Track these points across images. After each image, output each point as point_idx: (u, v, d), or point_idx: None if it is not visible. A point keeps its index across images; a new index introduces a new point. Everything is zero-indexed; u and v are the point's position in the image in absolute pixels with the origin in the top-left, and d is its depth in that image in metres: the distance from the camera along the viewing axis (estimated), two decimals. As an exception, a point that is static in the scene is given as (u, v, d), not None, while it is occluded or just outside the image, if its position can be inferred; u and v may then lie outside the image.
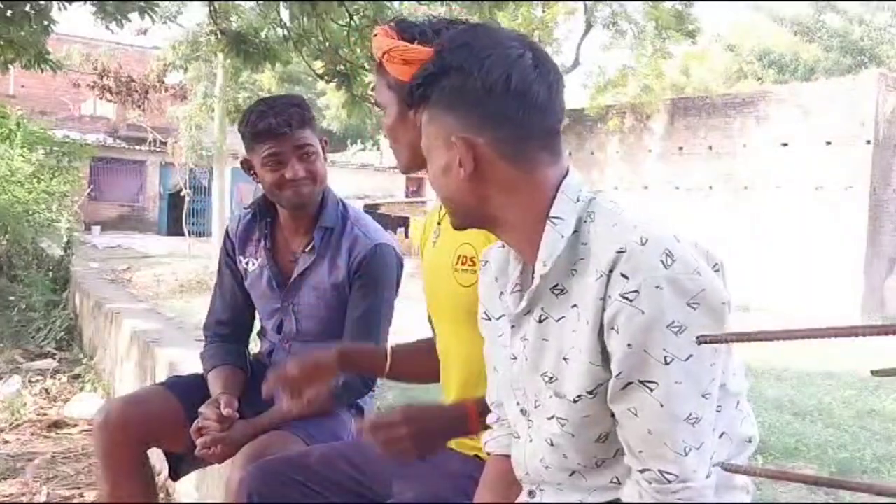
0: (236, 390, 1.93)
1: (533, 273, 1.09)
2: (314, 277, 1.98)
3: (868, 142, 12.00)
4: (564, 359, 1.02)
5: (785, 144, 12.86)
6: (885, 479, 3.44)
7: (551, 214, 1.03)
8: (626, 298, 0.92)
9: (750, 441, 1.10)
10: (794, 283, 12.33)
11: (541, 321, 1.05)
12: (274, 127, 1.87)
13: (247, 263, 2.08)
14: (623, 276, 0.93)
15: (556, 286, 1.03)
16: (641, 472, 0.97)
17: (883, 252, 12.50)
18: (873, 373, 0.49)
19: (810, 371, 6.21)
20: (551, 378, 1.04)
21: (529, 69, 1.03)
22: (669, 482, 0.94)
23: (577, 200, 1.04)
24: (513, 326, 1.10)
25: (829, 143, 12.34)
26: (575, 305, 1.01)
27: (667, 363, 0.92)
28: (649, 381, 0.93)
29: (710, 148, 13.90)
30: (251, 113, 1.93)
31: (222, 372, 1.99)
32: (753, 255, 12.38)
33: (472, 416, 1.38)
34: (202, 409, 1.83)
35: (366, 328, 1.93)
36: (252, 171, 1.98)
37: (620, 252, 0.94)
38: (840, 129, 12.24)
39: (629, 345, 0.93)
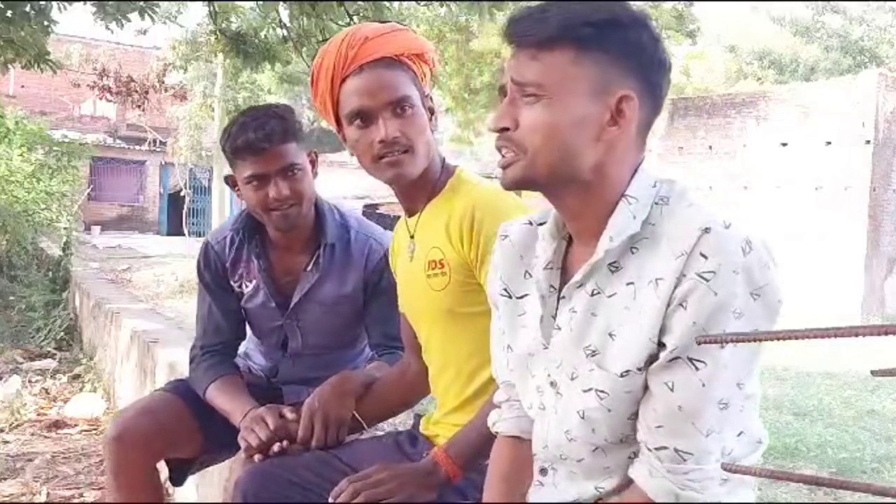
0: (251, 400, 1.79)
1: (569, 246, 1.10)
2: (320, 294, 1.89)
3: (868, 142, 11.98)
4: (610, 334, 1.01)
5: (785, 144, 12.85)
6: (885, 479, 3.43)
7: (627, 193, 1.02)
8: (703, 278, 0.92)
9: (760, 442, 1.10)
10: (794, 283, 12.31)
11: (592, 295, 1.04)
12: (253, 142, 1.73)
13: (240, 286, 1.94)
14: (703, 255, 0.93)
15: (612, 263, 1.02)
16: (657, 449, 0.97)
17: (883, 252, 12.48)
18: (873, 373, 0.49)
19: (810, 371, 6.20)
20: (594, 352, 1.03)
21: None
22: (685, 461, 0.95)
23: (654, 185, 1.04)
24: (562, 297, 1.08)
25: (828, 143, 12.33)
26: (630, 283, 1.00)
27: (721, 346, 0.92)
28: (699, 360, 0.93)
29: (710, 148, 13.89)
30: (232, 125, 1.80)
31: (228, 382, 1.86)
32: (753, 255, 12.36)
33: (442, 461, 1.39)
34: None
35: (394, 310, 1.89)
36: (236, 189, 1.84)
37: (706, 231, 0.94)
38: (840, 129, 12.22)
39: (694, 322, 0.93)
